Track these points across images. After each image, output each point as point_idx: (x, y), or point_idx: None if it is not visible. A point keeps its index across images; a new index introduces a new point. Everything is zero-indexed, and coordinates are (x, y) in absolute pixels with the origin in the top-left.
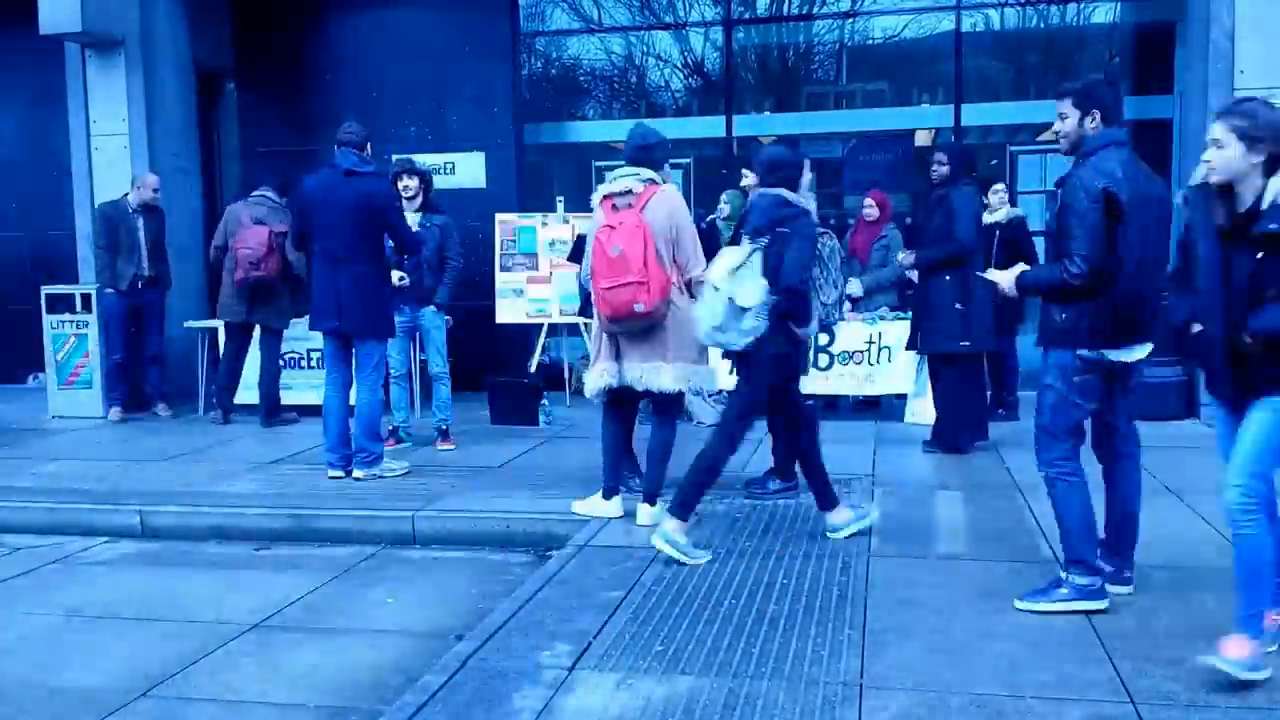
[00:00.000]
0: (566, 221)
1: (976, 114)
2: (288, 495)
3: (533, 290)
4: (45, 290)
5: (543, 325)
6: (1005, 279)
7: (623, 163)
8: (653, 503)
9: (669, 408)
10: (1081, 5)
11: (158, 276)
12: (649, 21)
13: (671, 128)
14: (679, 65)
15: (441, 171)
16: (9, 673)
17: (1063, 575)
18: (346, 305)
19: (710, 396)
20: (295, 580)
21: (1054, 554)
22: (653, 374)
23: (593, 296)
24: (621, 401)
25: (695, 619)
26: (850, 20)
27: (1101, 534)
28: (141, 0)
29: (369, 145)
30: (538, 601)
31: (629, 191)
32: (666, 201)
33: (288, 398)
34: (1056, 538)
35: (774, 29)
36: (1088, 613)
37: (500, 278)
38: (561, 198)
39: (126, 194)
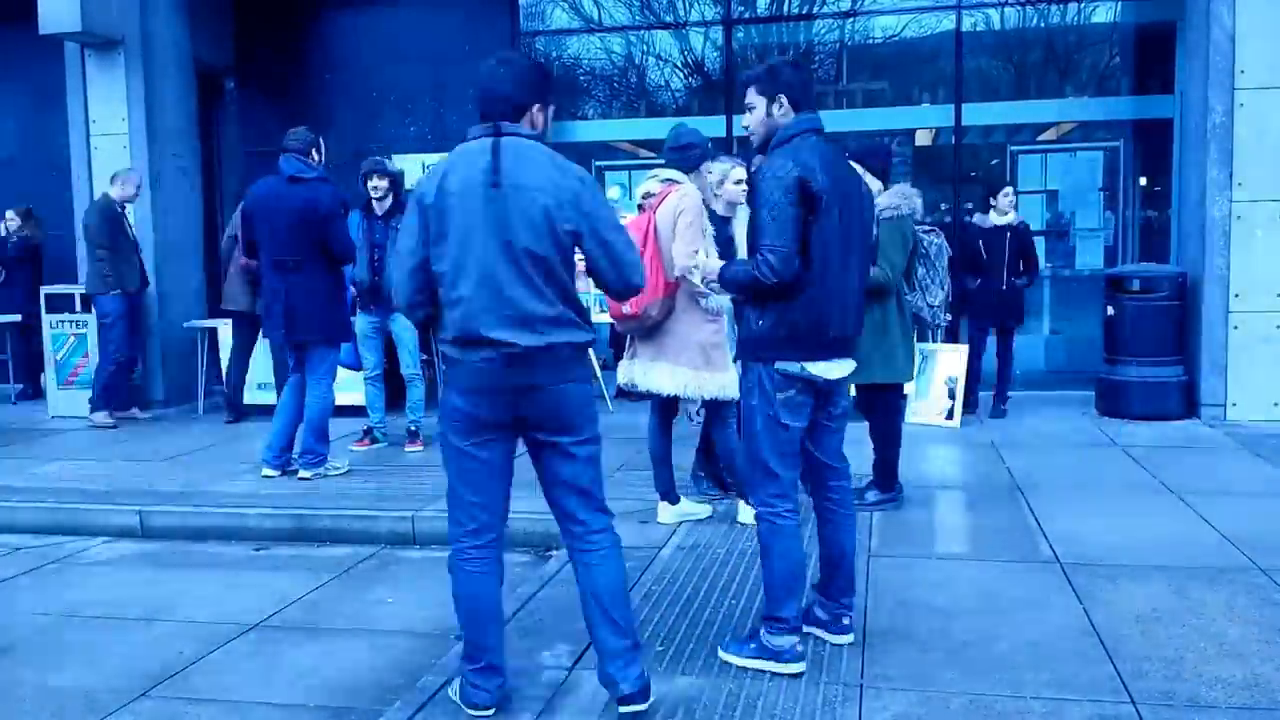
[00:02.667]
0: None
1: (976, 114)
2: (288, 495)
3: None
4: (45, 290)
5: None
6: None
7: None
8: (674, 500)
9: (667, 413)
10: (1081, 5)
11: (144, 275)
12: (649, 21)
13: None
14: (679, 65)
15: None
16: (9, 673)
17: (760, 629)
18: (296, 313)
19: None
20: (295, 580)
21: (1054, 554)
22: (655, 375)
23: None
24: (662, 407)
25: (695, 619)
26: (850, 20)
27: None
28: (141, 0)
29: (316, 150)
30: (538, 601)
31: (649, 194)
32: (675, 201)
33: None
34: (1057, 538)
35: (774, 29)
36: (778, 674)
37: None
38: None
39: (106, 193)
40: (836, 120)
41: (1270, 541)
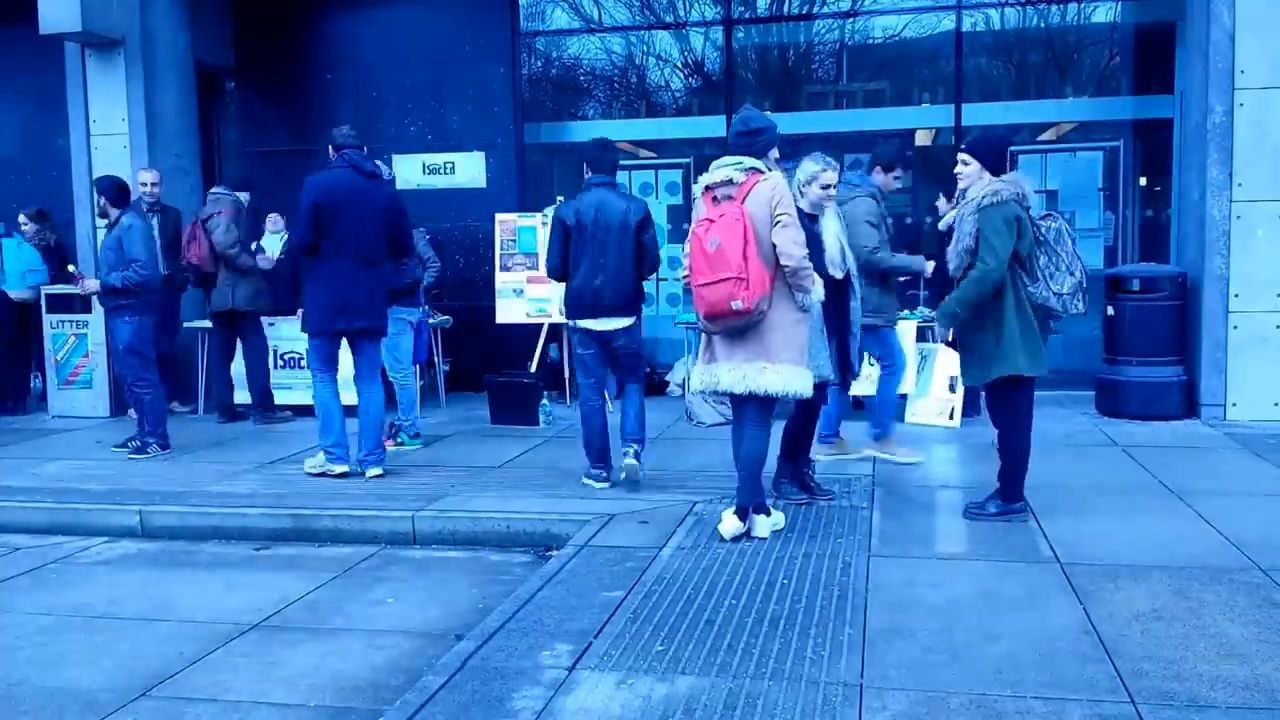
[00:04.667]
0: None
1: (976, 114)
2: (288, 495)
3: (533, 290)
4: (45, 290)
5: (542, 325)
6: None
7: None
8: (766, 512)
9: (767, 413)
10: (1081, 5)
11: (172, 277)
12: (649, 21)
13: (671, 128)
14: (679, 65)
15: (442, 171)
16: (9, 673)
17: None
18: (377, 303)
19: (712, 396)
20: (295, 580)
21: (1054, 554)
22: (756, 375)
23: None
24: (739, 406)
25: (695, 619)
26: (850, 20)
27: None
28: (141, 0)
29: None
30: (538, 601)
31: (729, 182)
32: (769, 190)
33: (288, 398)
34: (1056, 537)
35: (774, 29)
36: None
37: (500, 277)
38: (561, 197)
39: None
40: (837, 120)
41: (1270, 541)
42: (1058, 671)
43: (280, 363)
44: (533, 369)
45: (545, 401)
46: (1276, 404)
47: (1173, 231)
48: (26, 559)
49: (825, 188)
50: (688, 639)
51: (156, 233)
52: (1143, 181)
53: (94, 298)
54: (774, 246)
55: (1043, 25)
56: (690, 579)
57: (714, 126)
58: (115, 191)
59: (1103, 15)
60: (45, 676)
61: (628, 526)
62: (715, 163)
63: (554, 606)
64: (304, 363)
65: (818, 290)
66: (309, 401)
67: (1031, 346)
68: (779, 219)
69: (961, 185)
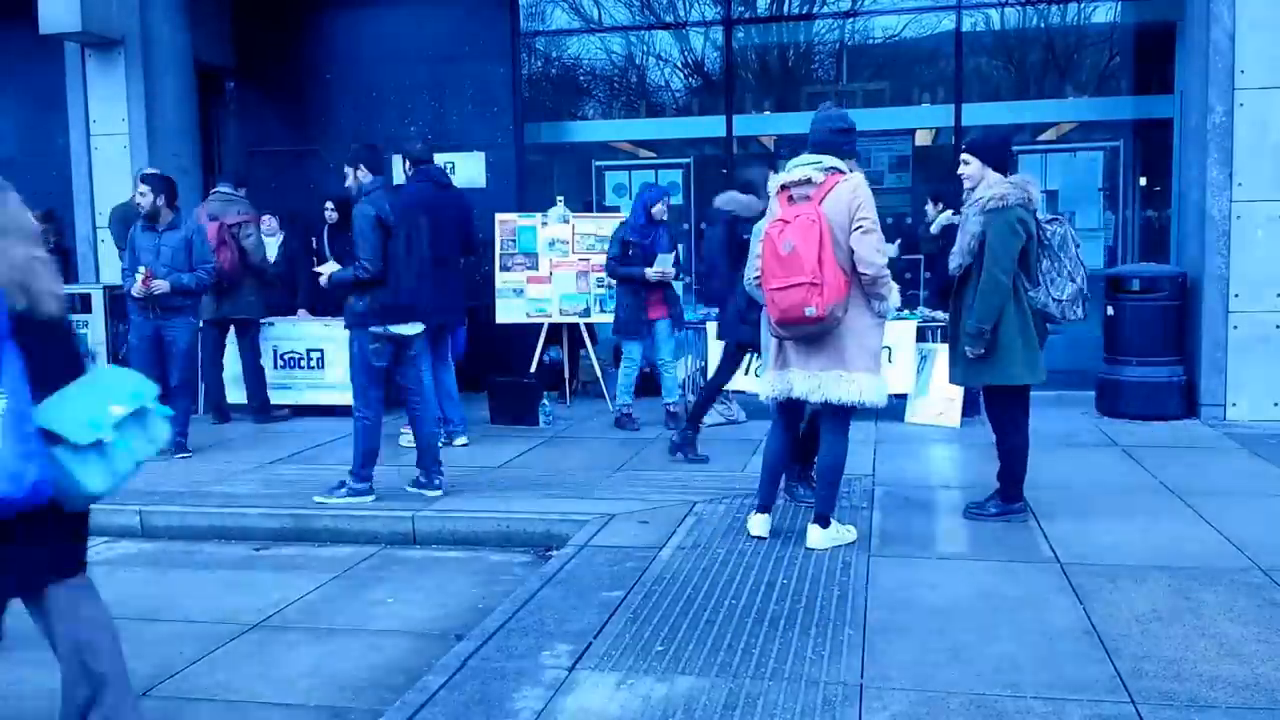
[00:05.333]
0: (567, 221)
1: (976, 114)
2: (288, 495)
3: (533, 290)
4: None
5: (542, 325)
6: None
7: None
8: (825, 524)
9: (845, 421)
10: (1081, 5)
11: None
12: (649, 21)
13: (671, 128)
14: (679, 65)
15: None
16: (9, 673)
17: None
18: (459, 301)
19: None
20: (295, 580)
21: (1054, 554)
22: (832, 384)
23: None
24: (793, 411)
25: (695, 619)
26: (850, 20)
27: None
28: (141, 0)
29: None
30: (538, 601)
31: (808, 181)
32: (849, 193)
33: (288, 397)
34: (1056, 538)
35: (774, 29)
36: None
37: (500, 277)
38: (561, 197)
39: (132, 196)
40: None
41: (1270, 541)
42: (1058, 671)
43: (280, 362)
44: (532, 369)
45: (545, 401)
46: (1276, 404)
47: (1173, 231)
48: None
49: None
50: (688, 639)
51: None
52: (1143, 181)
53: (94, 297)
54: (851, 252)
55: (1043, 25)
56: (690, 579)
57: (714, 126)
58: (175, 191)
59: (1103, 15)
60: (45, 676)
61: (628, 526)
62: (792, 161)
63: (554, 606)
64: (303, 362)
65: (894, 298)
66: (307, 401)
67: (1029, 355)
68: (860, 223)
69: (967, 185)
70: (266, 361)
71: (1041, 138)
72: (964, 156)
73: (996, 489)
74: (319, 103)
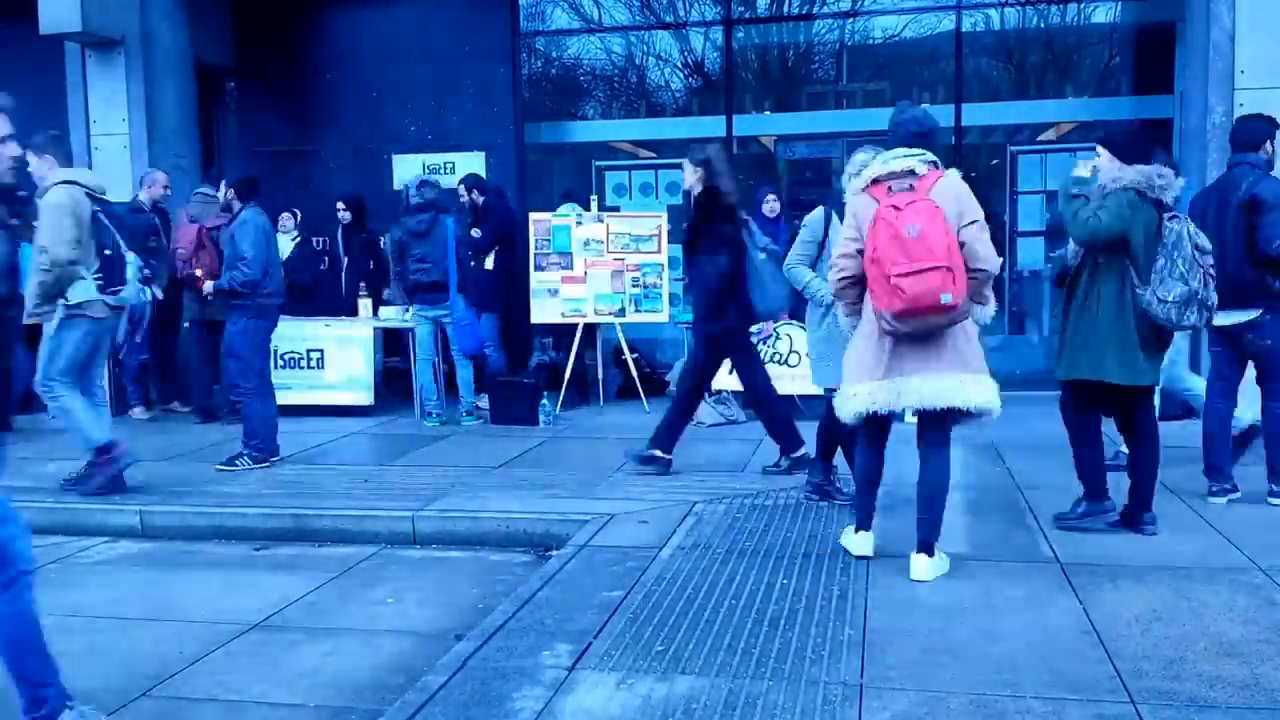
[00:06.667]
0: (601, 220)
1: (976, 114)
2: (288, 495)
3: (568, 290)
4: None
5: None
6: None
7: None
8: (931, 552)
9: (949, 432)
10: (1081, 5)
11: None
12: (649, 21)
13: (671, 128)
14: (679, 65)
15: (442, 171)
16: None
17: None
18: None
19: (710, 396)
20: (295, 580)
21: (1054, 554)
22: (960, 388)
23: (873, 290)
24: (881, 422)
25: (695, 619)
26: (850, 20)
27: None
28: (141, 0)
29: None
30: (538, 601)
31: (910, 173)
32: (955, 187)
33: (287, 397)
34: (1057, 538)
35: (774, 29)
36: None
37: (535, 277)
38: (595, 196)
39: (137, 195)
40: (837, 120)
41: (1270, 541)
42: (1058, 671)
43: (280, 362)
44: (532, 369)
45: (545, 401)
46: None
47: None
48: None
49: None
50: (688, 639)
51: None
52: None
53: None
54: (961, 246)
55: (1043, 25)
56: (690, 579)
57: (714, 127)
58: (244, 186)
59: (1103, 15)
60: None
61: (627, 526)
62: (882, 155)
63: (554, 606)
64: (304, 362)
65: (992, 307)
66: (306, 401)
67: (1121, 353)
68: (975, 219)
69: (1100, 180)
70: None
71: (1041, 138)
72: (1097, 149)
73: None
74: (319, 103)
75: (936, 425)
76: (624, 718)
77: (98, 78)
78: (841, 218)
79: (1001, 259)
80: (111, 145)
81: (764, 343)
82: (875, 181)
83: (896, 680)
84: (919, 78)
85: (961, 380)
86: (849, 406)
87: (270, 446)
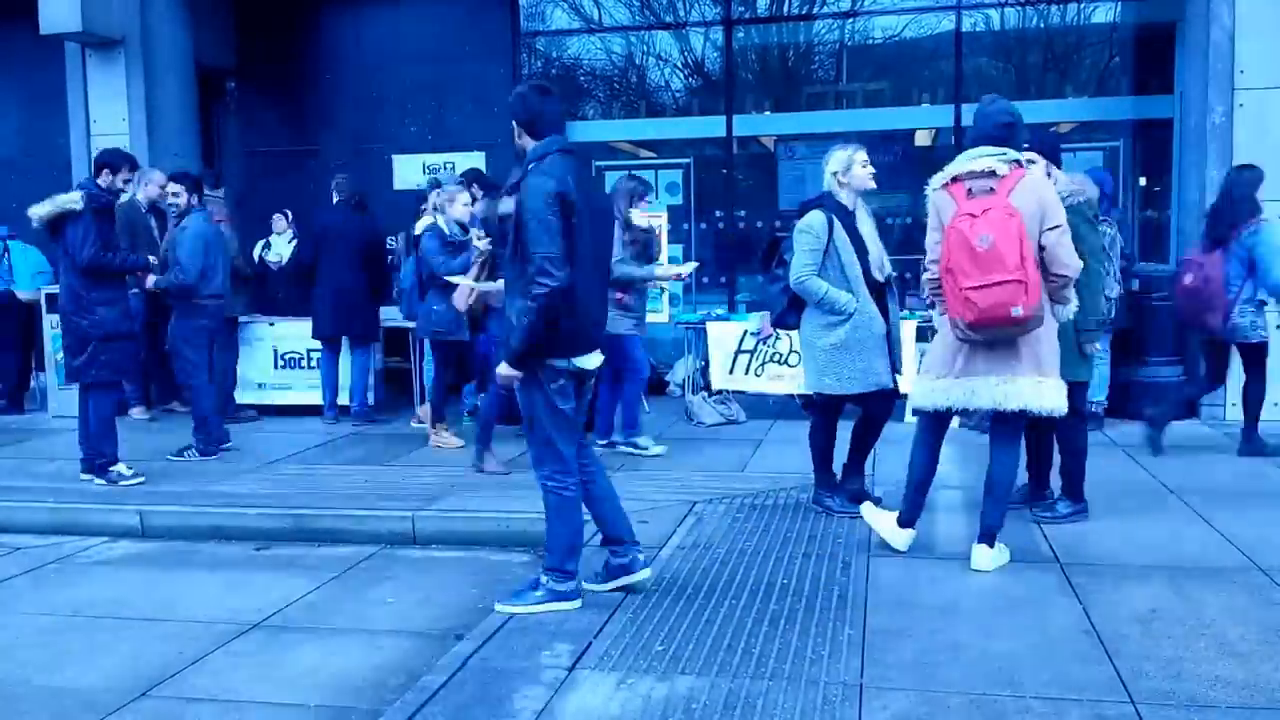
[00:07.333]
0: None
1: None
2: (288, 495)
3: None
4: (45, 290)
5: None
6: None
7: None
8: (993, 544)
9: (1019, 430)
10: (1081, 5)
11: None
12: (649, 21)
13: (671, 128)
14: (679, 65)
15: (441, 171)
16: (9, 673)
17: (543, 579)
18: None
19: (710, 396)
20: (295, 580)
21: (1054, 554)
22: (1033, 392)
23: (944, 299)
24: (942, 420)
25: (695, 619)
26: (850, 20)
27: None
28: (141, 0)
29: None
30: None
31: (991, 173)
32: (1037, 187)
33: (287, 397)
34: (1056, 537)
35: (774, 29)
36: (565, 610)
37: None
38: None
39: (135, 195)
40: (836, 120)
41: (1270, 541)
42: (1058, 671)
43: (280, 362)
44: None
45: None
46: (1276, 404)
47: (1172, 231)
48: (26, 559)
49: (865, 165)
50: (688, 639)
51: (157, 234)
52: (1143, 181)
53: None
54: (1042, 249)
55: (1043, 25)
56: (690, 579)
57: (714, 126)
58: (191, 182)
59: (1103, 15)
60: (45, 676)
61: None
62: (964, 153)
63: None
64: (303, 363)
65: (1073, 306)
66: (305, 401)
67: (1070, 354)
68: (1057, 222)
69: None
70: (265, 361)
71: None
72: (1030, 155)
73: (1062, 488)
74: (319, 103)
75: (1008, 423)
76: (624, 718)
77: (98, 78)
78: (841, 219)
79: None
80: (111, 145)
81: (764, 343)
82: (955, 180)
83: (896, 680)
84: (919, 78)
85: (1039, 384)
86: (920, 399)
87: (219, 435)
